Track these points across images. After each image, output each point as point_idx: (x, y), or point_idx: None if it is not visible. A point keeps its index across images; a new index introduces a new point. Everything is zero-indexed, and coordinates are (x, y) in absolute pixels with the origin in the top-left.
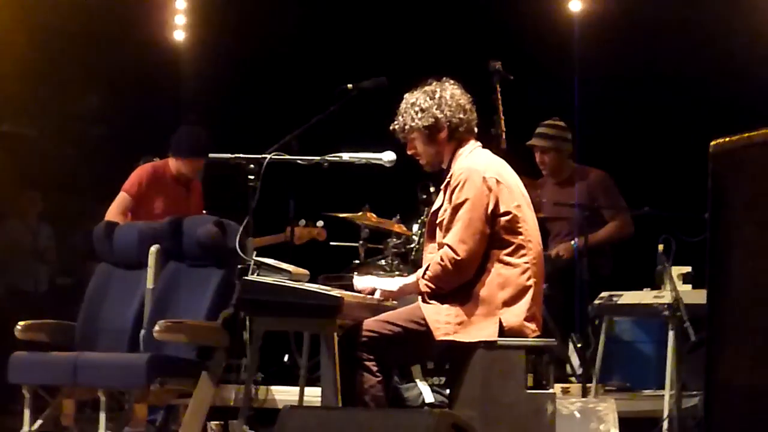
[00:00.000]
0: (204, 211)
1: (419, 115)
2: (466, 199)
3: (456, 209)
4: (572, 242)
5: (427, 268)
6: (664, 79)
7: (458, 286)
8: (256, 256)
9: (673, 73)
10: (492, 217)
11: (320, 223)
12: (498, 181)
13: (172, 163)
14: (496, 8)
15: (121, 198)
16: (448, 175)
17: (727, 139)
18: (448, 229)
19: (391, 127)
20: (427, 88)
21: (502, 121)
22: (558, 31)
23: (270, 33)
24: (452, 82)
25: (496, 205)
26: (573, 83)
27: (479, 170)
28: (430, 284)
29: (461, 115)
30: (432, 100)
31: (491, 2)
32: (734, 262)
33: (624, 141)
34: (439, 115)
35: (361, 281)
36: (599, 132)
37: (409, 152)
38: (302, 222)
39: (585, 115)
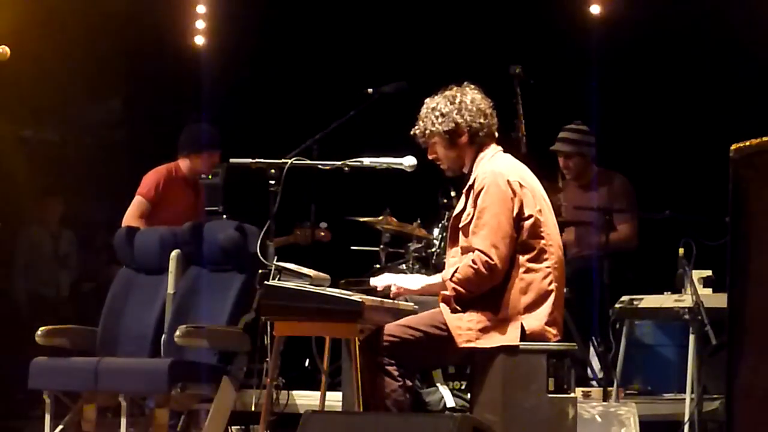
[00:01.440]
0: (223, 214)
1: (440, 119)
2: (491, 203)
3: (482, 213)
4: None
5: (456, 271)
6: (684, 82)
7: (487, 290)
8: (276, 257)
9: (693, 76)
10: (517, 221)
11: (324, 225)
12: (521, 185)
13: (185, 163)
14: (517, 12)
15: (138, 202)
16: (471, 179)
17: (749, 143)
18: (474, 234)
19: (411, 132)
20: (447, 92)
21: (523, 125)
22: (578, 35)
23: (290, 37)
24: (473, 86)
25: (521, 208)
26: (593, 87)
27: (503, 174)
28: (459, 287)
29: (481, 120)
30: (452, 105)
31: (511, 6)
32: (755, 266)
33: (644, 144)
34: (459, 120)
35: (378, 279)
36: (619, 136)
37: (430, 157)
38: (306, 224)
39: (605, 118)
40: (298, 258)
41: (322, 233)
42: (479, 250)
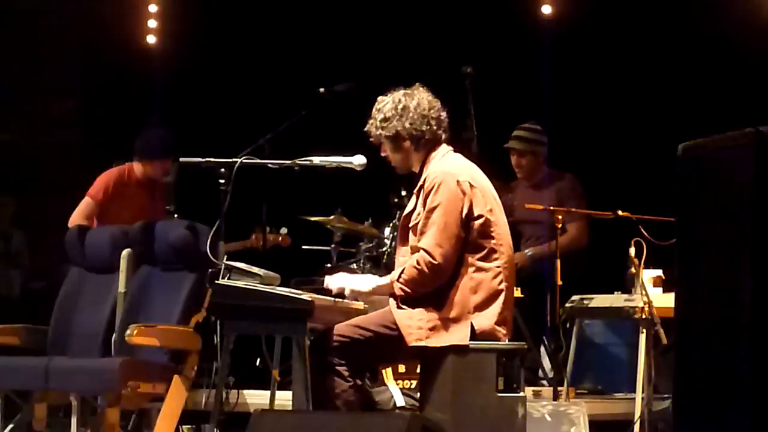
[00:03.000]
0: (174, 213)
1: (382, 124)
2: (440, 203)
3: (431, 213)
4: (527, 252)
5: (402, 271)
6: (634, 82)
7: (433, 290)
8: (227, 260)
9: (643, 75)
10: (466, 220)
11: (284, 230)
12: (471, 185)
13: (138, 167)
14: (468, 12)
15: (85, 203)
16: (422, 179)
17: (695, 141)
18: (422, 233)
19: (365, 129)
20: (395, 95)
21: (474, 125)
22: (530, 35)
23: (242, 36)
24: (423, 88)
25: (470, 208)
26: (543, 86)
27: (453, 174)
28: (405, 287)
29: (423, 127)
30: (395, 111)
31: (463, 6)
32: (702, 265)
33: (594, 144)
34: (399, 127)
35: (332, 280)
36: (570, 136)
37: (382, 154)
38: (267, 228)
39: (556, 118)
40: (248, 258)
41: (281, 238)
42: (424, 250)
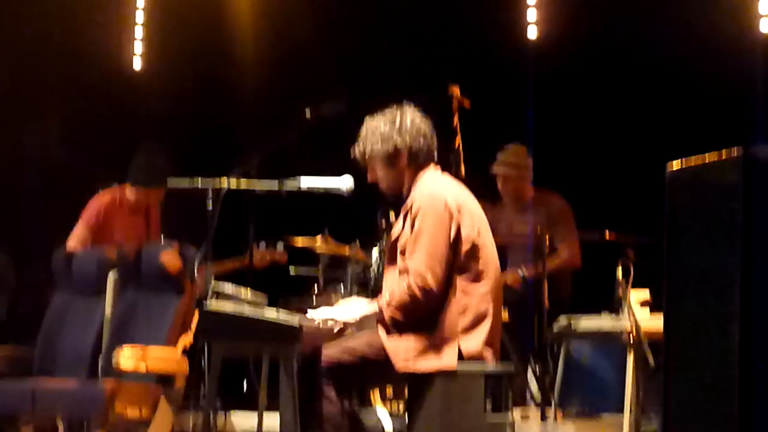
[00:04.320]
0: (161, 236)
1: (379, 140)
2: (429, 225)
3: (419, 235)
4: (519, 271)
5: (391, 297)
6: (620, 103)
7: (424, 314)
8: (216, 281)
9: (629, 97)
10: (454, 243)
11: (280, 246)
12: (459, 207)
13: (131, 192)
14: (454, 34)
15: (80, 229)
16: (410, 201)
17: (684, 162)
18: (411, 256)
19: (352, 154)
20: (387, 113)
21: (460, 147)
22: (515, 57)
23: (228, 59)
24: (413, 107)
25: (458, 231)
26: (529, 108)
27: (441, 196)
28: (396, 313)
29: (421, 141)
30: (392, 126)
31: (449, 28)
32: (690, 287)
33: (582, 165)
34: (399, 141)
35: (317, 313)
36: (556, 157)
37: (369, 179)
38: (262, 245)
39: (542, 140)
40: (237, 279)
41: (278, 255)
42: (414, 273)
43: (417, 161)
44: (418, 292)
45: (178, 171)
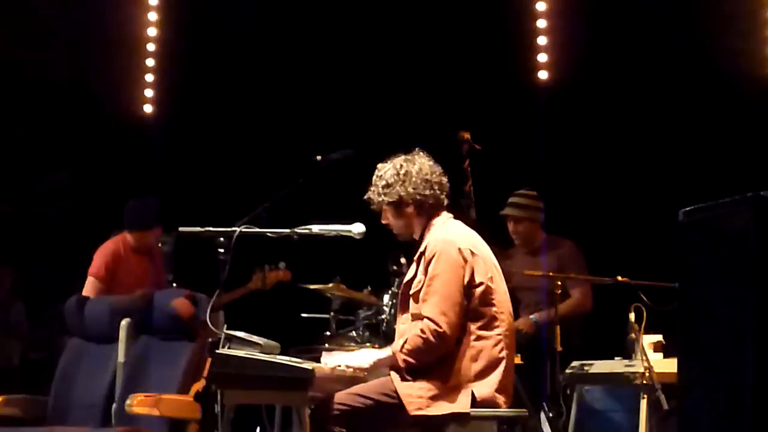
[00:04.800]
0: (172, 282)
1: (384, 190)
2: (442, 271)
3: (432, 281)
4: (532, 317)
5: (405, 342)
6: (633, 147)
7: (438, 359)
8: (226, 325)
9: (641, 141)
10: (467, 288)
11: (282, 265)
12: (473, 252)
13: (130, 238)
14: (465, 78)
15: (90, 283)
16: (423, 246)
17: (696, 207)
18: (425, 301)
19: (365, 197)
20: (396, 161)
21: (472, 191)
22: (526, 101)
23: (238, 105)
24: (423, 154)
25: (472, 276)
26: (540, 152)
27: (454, 242)
28: (409, 358)
29: (426, 192)
30: (397, 177)
31: (460, 72)
32: (703, 333)
33: (594, 210)
34: (402, 192)
35: (331, 359)
36: (568, 201)
37: (383, 222)
38: (266, 267)
39: (553, 183)
40: (250, 321)
41: (282, 274)
42: (428, 318)
43: (424, 210)
44: (431, 337)
45: (188, 218)
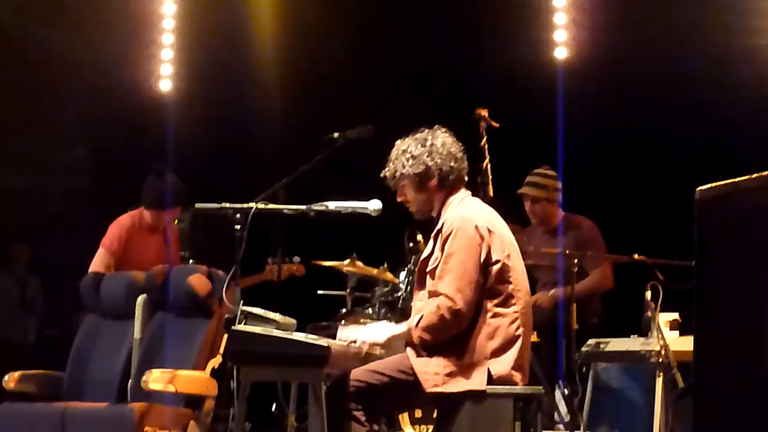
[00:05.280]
0: (189, 259)
1: (410, 162)
2: (459, 248)
3: (449, 258)
4: (550, 293)
5: (420, 318)
6: (650, 125)
7: (454, 336)
8: (242, 301)
9: (659, 119)
10: (484, 266)
11: (297, 259)
12: (490, 230)
13: (147, 215)
14: (482, 57)
15: (101, 255)
16: (440, 224)
17: (713, 185)
18: (441, 278)
19: (382, 174)
20: (418, 135)
21: (489, 169)
22: (543, 79)
23: (255, 82)
24: (444, 129)
25: (488, 254)
26: (558, 130)
27: (471, 219)
28: (425, 334)
29: (452, 164)
30: (423, 148)
31: (477, 50)
32: (720, 311)
33: (611, 188)
34: (430, 163)
35: (345, 333)
36: (585, 179)
37: (399, 199)
38: (279, 259)
39: (571, 162)
40: (266, 298)
41: (295, 268)
42: (444, 295)
43: (447, 184)
44: (447, 314)
45: (205, 194)
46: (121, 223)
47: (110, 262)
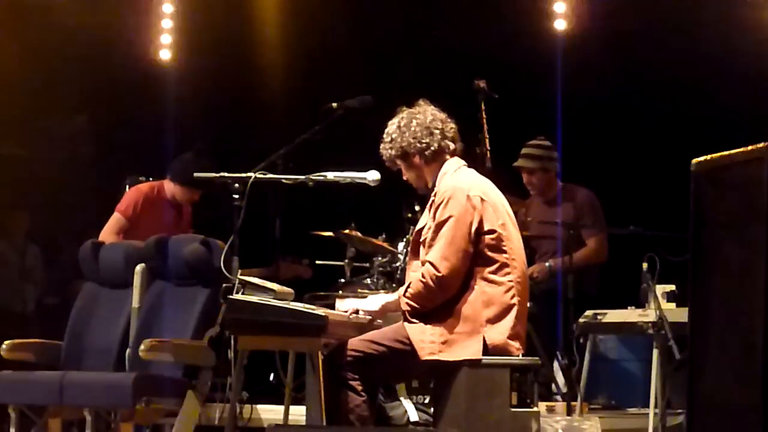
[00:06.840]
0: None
1: (390, 145)
2: (449, 217)
3: (439, 227)
4: (546, 264)
5: (408, 286)
6: (647, 98)
7: (440, 303)
8: (243, 274)
9: (656, 91)
10: (476, 235)
11: (306, 261)
12: (483, 200)
13: (169, 187)
14: (481, 27)
15: (116, 219)
16: (433, 194)
17: (708, 157)
18: (431, 247)
19: (381, 153)
20: (399, 115)
21: (487, 140)
22: (543, 50)
23: (255, 52)
24: (426, 103)
25: (481, 223)
26: (557, 101)
27: (464, 188)
28: (411, 302)
29: (426, 139)
30: (398, 129)
31: (476, 21)
32: (715, 281)
33: (608, 160)
34: (404, 144)
35: (342, 304)
36: (583, 150)
37: (404, 177)
38: (288, 258)
39: (569, 133)
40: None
41: (302, 269)
42: (429, 263)
43: (430, 157)
44: (431, 281)
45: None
46: (141, 190)
47: (123, 225)
